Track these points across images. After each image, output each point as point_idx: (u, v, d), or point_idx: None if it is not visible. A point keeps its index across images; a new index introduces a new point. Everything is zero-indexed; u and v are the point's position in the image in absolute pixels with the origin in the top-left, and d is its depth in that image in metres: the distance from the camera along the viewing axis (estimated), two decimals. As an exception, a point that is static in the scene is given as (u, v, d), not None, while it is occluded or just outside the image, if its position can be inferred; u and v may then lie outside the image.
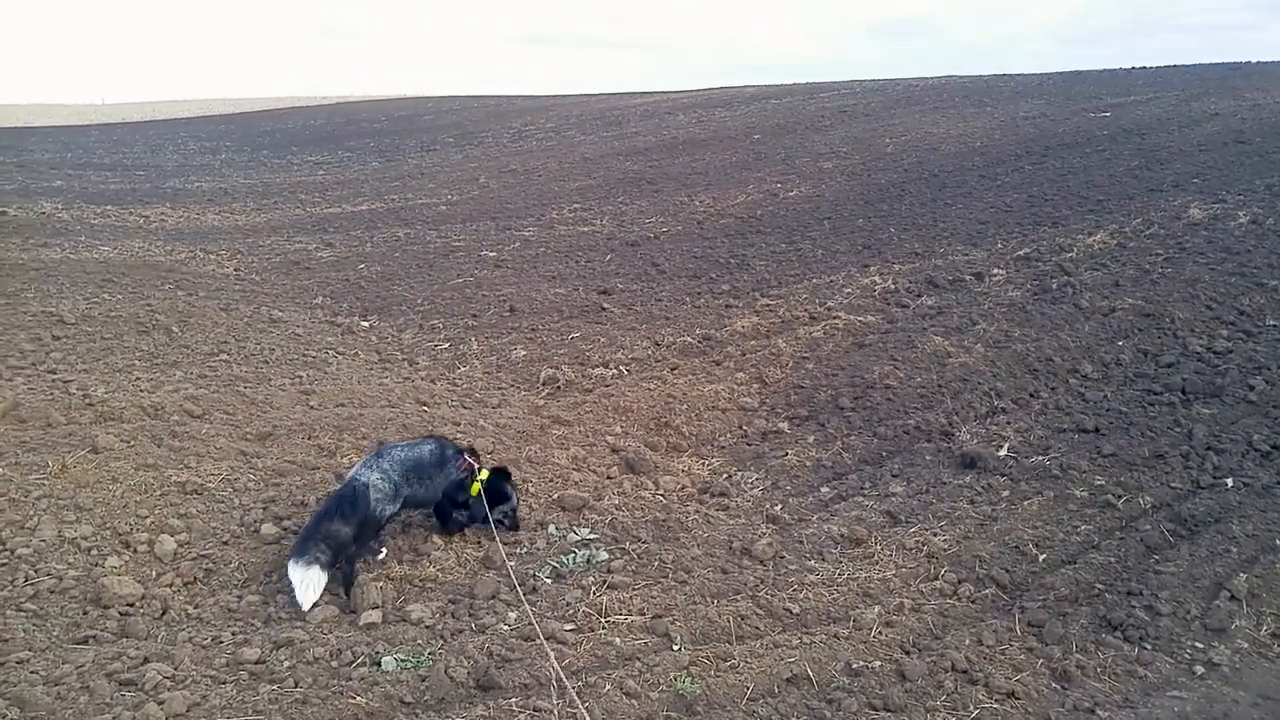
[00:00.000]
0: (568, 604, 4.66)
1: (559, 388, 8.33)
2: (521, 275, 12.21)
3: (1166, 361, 7.09)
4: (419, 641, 4.31)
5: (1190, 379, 6.75)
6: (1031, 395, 7.05)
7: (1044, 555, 5.17)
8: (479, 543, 5.38)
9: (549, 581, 4.95)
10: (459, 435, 6.46)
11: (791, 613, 4.67)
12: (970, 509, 5.75)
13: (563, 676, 3.91)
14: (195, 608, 4.56)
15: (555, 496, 5.93)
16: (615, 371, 8.56)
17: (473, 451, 5.53)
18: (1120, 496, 5.62)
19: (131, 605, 4.47)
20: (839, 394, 7.52)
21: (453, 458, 5.35)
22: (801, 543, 5.51)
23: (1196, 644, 4.43)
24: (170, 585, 4.66)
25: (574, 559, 5.17)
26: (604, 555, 5.22)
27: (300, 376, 8.05)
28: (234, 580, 4.81)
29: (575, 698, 3.79)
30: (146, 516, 5.14)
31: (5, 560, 4.59)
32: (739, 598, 4.78)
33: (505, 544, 5.22)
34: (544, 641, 4.18)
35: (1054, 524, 5.47)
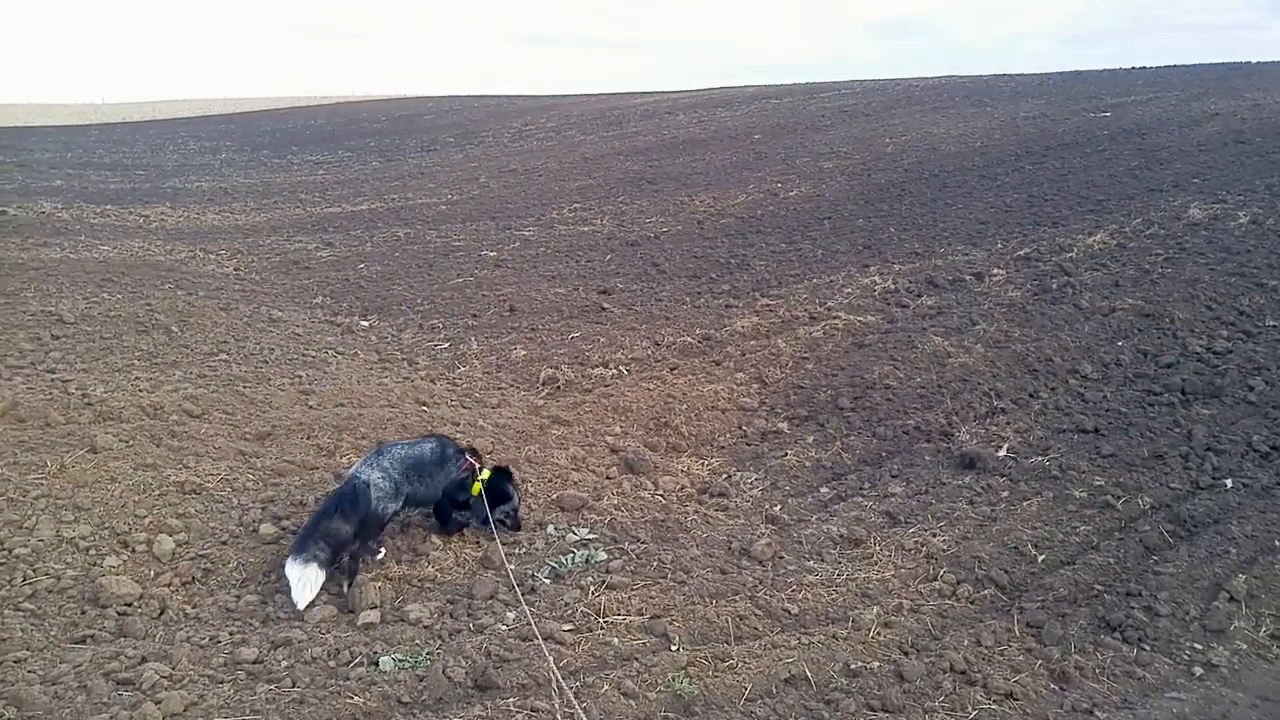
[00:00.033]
0: (566, 604, 4.65)
1: (559, 388, 8.33)
2: (521, 275, 12.20)
3: (1166, 362, 7.08)
4: (417, 641, 4.30)
5: (1190, 379, 6.75)
6: (1031, 395, 7.04)
7: (1043, 556, 5.17)
8: (478, 543, 5.38)
9: (547, 582, 4.94)
10: (458, 435, 6.45)
11: (790, 613, 4.66)
12: (969, 509, 5.75)
13: (559, 677, 3.91)
14: (193, 607, 4.55)
15: (554, 496, 5.93)
16: (615, 371, 8.55)
17: (474, 451, 5.52)
18: (1119, 497, 5.62)
19: (129, 605, 4.47)
20: (839, 394, 7.51)
21: (453, 457, 5.34)
22: (800, 543, 5.51)
23: (1195, 645, 4.42)
24: (168, 585, 4.66)
25: (573, 559, 5.16)
26: (603, 555, 5.22)
27: (300, 376, 8.05)
28: (232, 580, 4.81)
29: (572, 698, 3.78)
30: (145, 516, 5.13)
31: (3, 560, 4.58)
32: (737, 598, 4.77)
33: (504, 544, 5.21)
34: (542, 642, 4.18)
35: (1053, 525, 5.46)
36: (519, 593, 4.69)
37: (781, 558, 5.29)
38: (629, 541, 5.43)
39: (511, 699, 3.86)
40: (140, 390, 7.06)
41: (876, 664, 4.26)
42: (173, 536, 4.99)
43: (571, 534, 5.50)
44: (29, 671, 3.84)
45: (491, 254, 13.43)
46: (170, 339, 8.65)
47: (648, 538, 5.50)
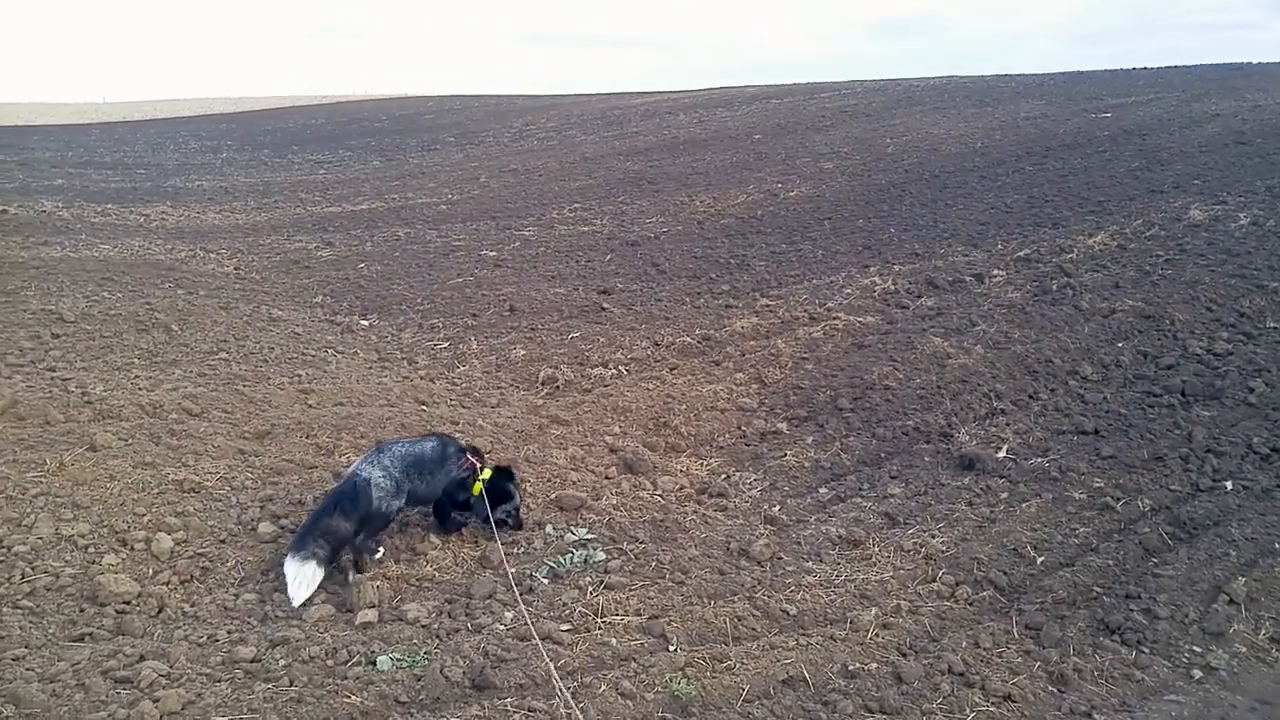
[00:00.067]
0: (564, 604, 4.65)
1: (558, 387, 8.32)
2: (521, 275, 12.20)
3: (1166, 363, 7.08)
4: (415, 641, 4.30)
5: (1190, 381, 6.74)
6: (1031, 397, 7.04)
7: (1042, 558, 5.16)
8: (476, 542, 5.38)
9: (546, 581, 4.94)
10: (458, 434, 6.44)
11: (788, 614, 4.66)
12: (968, 511, 5.74)
13: (557, 677, 3.91)
14: (192, 606, 4.55)
15: (553, 496, 5.92)
16: (614, 371, 8.55)
17: (476, 451, 5.50)
18: (1119, 499, 5.61)
19: (128, 603, 4.46)
20: (838, 395, 7.51)
21: (454, 456, 5.33)
22: (799, 544, 5.50)
23: (1194, 648, 4.42)
24: (167, 583, 4.65)
25: (571, 559, 5.16)
26: (601, 555, 5.21)
27: (299, 375, 8.04)
28: (231, 579, 4.81)
29: (569, 699, 3.78)
30: (144, 515, 5.13)
31: (2, 558, 4.58)
32: (736, 599, 4.77)
33: (502, 544, 5.21)
34: (539, 642, 4.18)
35: (1052, 526, 5.45)
36: (517, 592, 4.69)
37: (780, 558, 5.29)
38: (627, 541, 5.42)
39: (509, 699, 3.86)
40: (140, 389, 7.06)
41: (875, 665, 4.26)
42: (171, 535, 4.99)
43: (570, 534, 5.49)
44: (27, 669, 3.84)
45: (491, 254, 13.42)
46: (170, 338, 8.65)
47: (646, 538, 5.49)
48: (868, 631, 4.51)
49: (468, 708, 3.80)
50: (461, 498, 5.34)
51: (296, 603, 4.57)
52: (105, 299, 9.82)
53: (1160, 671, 4.28)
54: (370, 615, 4.51)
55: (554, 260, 12.83)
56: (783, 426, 7.28)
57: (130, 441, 5.94)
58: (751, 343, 8.90)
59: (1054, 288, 8.81)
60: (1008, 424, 6.69)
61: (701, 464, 6.87)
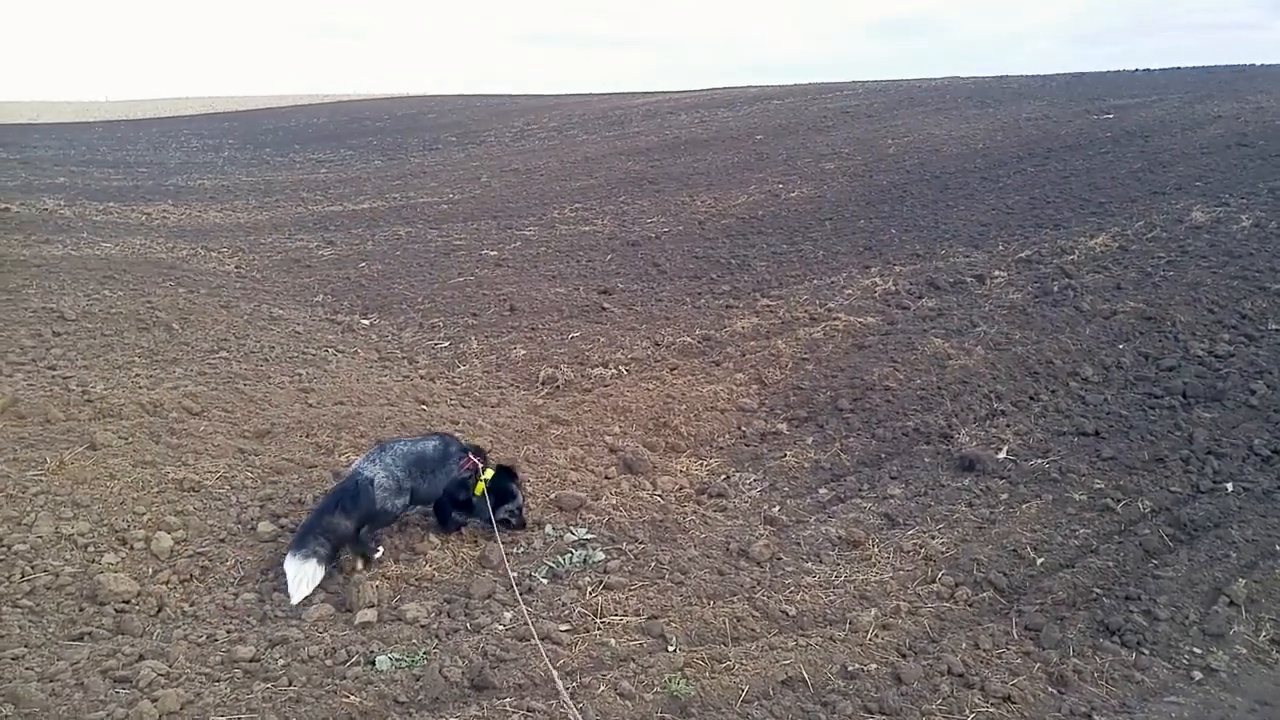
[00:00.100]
0: (563, 604, 4.64)
1: (558, 387, 8.32)
2: (522, 274, 12.20)
3: (1167, 365, 7.07)
4: (414, 641, 4.30)
5: (1191, 383, 6.74)
6: (1031, 398, 7.03)
7: (1042, 559, 5.16)
8: (476, 542, 5.37)
9: (545, 582, 4.94)
10: (457, 434, 6.44)
11: (788, 615, 4.65)
12: (968, 512, 5.74)
13: (558, 677, 3.91)
14: (191, 605, 4.55)
15: (553, 496, 5.92)
16: (614, 371, 8.55)
17: (478, 450, 5.49)
18: (1119, 500, 5.60)
19: (127, 602, 4.46)
20: (838, 395, 7.50)
21: (456, 455, 5.32)
22: (799, 544, 5.50)
23: (1194, 649, 4.41)
24: (166, 583, 4.65)
25: (570, 559, 5.15)
26: (600, 555, 5.21)
27: (300, 374, 8.04)
28: (230, 578, 4.80)
29: (568, 699, 3.78)
30: (144, 513, 5.13)
31: (2, 556, 4.59)
32: (735, 599, 4.76)
33: (501, 544, 5.21)
34: (539, 642, 4.17)
35: (1052, 527, 5.45)
36: (517, 592, 4.69)
37: (779, 559, 5.29)
38: (627, 542, 5.42)
39: (508, 699, 3.86)
40: (140, 387, 7.06)
41: (874, 666, 4.25)
42: (171, 534, 4.99)
43: (569, 534, 5.49)
44: (26, 669, 3.84)
45: (492, 253, 13.43)
46: (171, 336, 8.66)
47: (646, 538, 5.49)
48: (867, 632, 4.50)
49: (466, 708, 3.80)
50: (463, 497, 5.33)
51: (296, 600, 4.57)
52: (106, 297, 9.82)
53: (1160, 673, 4.27)
54: (369, 615, 4.51)
55: (555, 260, 12.83)
56: (783, 427, 7.27)
57: (130, 440, 5.94)
58: (752, 343, 8.90)
59: (1055, 289, 8.80)
60: (1008, 425, 6.69)
61: (701, 464, 6.87)
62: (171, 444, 6.01)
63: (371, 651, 4.15)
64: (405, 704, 3.82)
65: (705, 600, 4.74)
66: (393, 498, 5.02)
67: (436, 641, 4.29)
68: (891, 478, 6.32)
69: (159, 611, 4.46)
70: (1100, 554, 5.15)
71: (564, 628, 4.43)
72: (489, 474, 5.32)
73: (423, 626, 4.44)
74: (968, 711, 3.97)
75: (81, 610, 4.36)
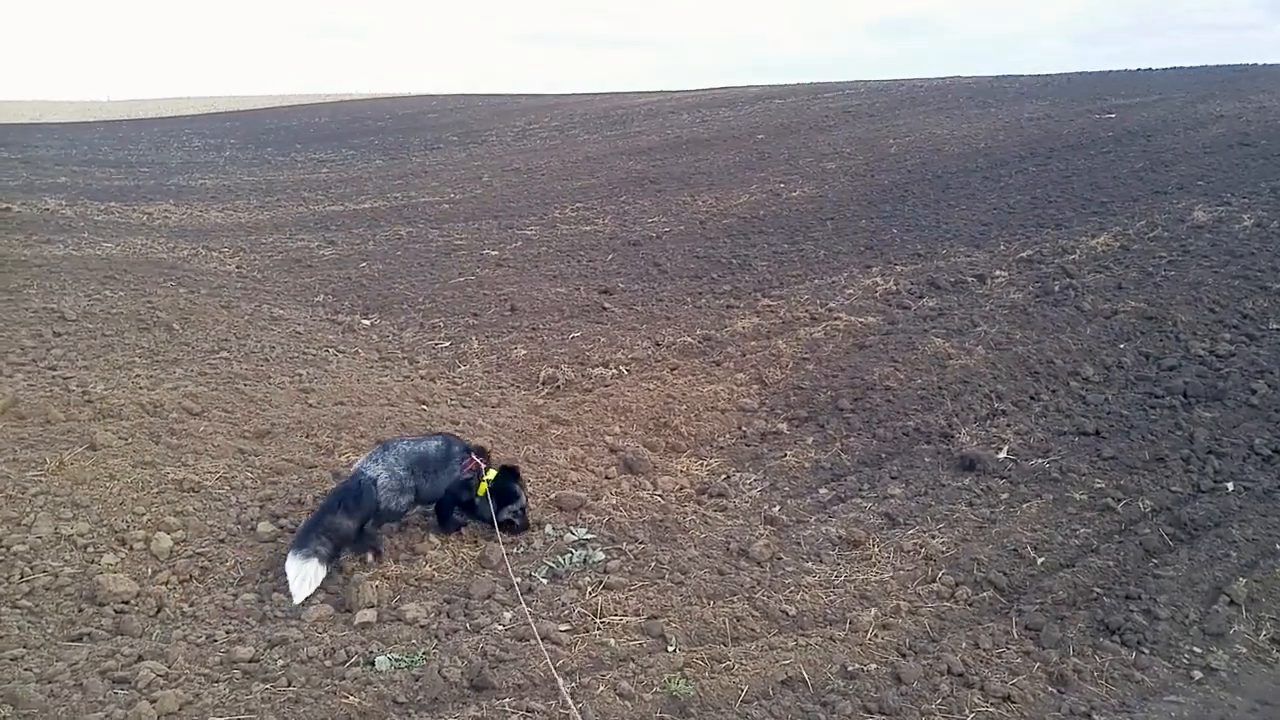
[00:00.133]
0: (563, 604, 4.64)
1: (558, 387, 8.32)
2: (523, 274, 12.20)
3: (1168, 364, 7.06)
4: (413, 641, 4.30)
5: (1192, 382, 6.72)
6: (1032, 397, 7.02)
7: (1042, 558, 5.15)
8: (475, 542, 5.37)
9: (545, 582, 4.93)
10: (458, 434, 6.44)
11: (788, 614, 4.65)
12: (969, 511, 5.73)
13: (558, 677, 3.90)
14: (190, 606, 4.54)
15: (553, 496, 5.91)
16: (615, 371, 8.55)
17: (482, 451, 5.47)
18: (1120, 500, 5.60)
19: (127, 603, 4.46)
20: (839, 395, 7.50)
21: (458, 455, 5.32)
22: (799, 544, 5.50)
23: (1195, 649, 4.41)
24: (166, 583, 4.65)
25: (570, 559, 5.15)
26: (600, 555, 5.20)
27: (300, 374, 8.05)
28: (230, 578, 4.80)
29: (568, 699, 3.77)
30: (143, 514, 5.13)
31: (1, 557, 4.58)
32: (735, 599, 4.76)
33: (501, 544, 5.20)
34: (540, 642, 4.17)
35: (1052, 527, 5.44)
36: (518, 592, 4.69)
37: (780, 559, 5.28)
38: (627, 542, 5.41)
39: (507, 699, 3.85)
40: (140, 388, 7.06)
41: (874, 666, 4.25)
42: (171, 534, 4.99)
43: (569, 534, 5.48)
44: (25, 669, 3.84)
45: (493, 253, 13.43)
46: (171, 336, 8.66)
47: (646, 538, 5.48)
48: (867, 632, 4.50)
49: (466, 708, 3.80)
50: (465, 498, 5.32)
51: (298, 600, 4.57)
52: (107, 297, 9.83)
53: (1160, 672, 4.26)
54: (369, 615, 4.51)
55: (556, 260, 12.83)
56: (783, 427, 7.27)
57: (130, 440, 5.94)
58: (752, 343, 8.89)
59: (1056, 288, 8.79)
60: (1008, 425, 6.68)
61: (701, 464, 6.86)
62: (171, 444, 6.01)
63: (371, 652, 4.15)
64: (404, 704, 3.82)
65: (705, 600, 4.73)
66: (396, 497, 5.03)
67: (436, 642, 4.29)
68: (892, 477, 6.32)
69: (158, 612, 4.46)
70: (1100, 553, 5.14)
71: (563, 628, 4.43)
72: (491, 474, 5.31)
73: (422, 627, 4.44)
74: (967, 711, 3.97)
75: (80, 611, 4.36)
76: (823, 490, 6.31)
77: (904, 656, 4.34)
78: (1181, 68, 28.03)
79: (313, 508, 5.29)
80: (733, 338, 9.07)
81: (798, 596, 4.82)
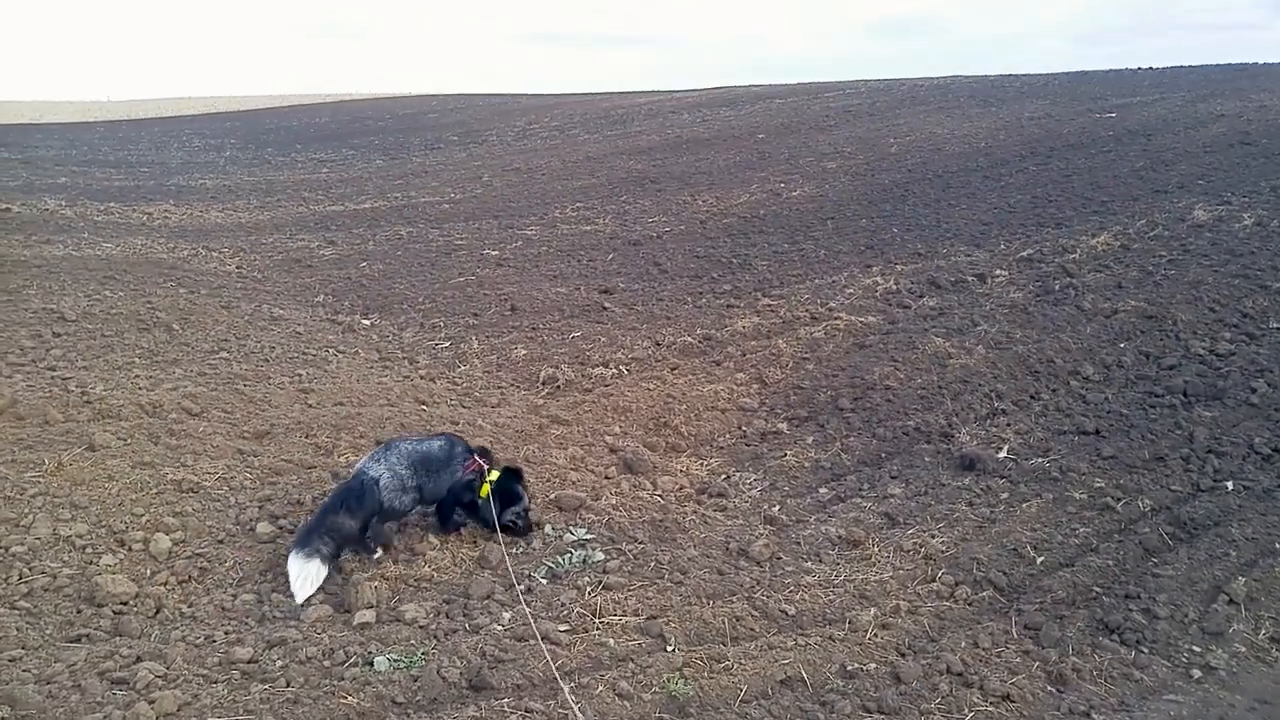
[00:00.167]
0: (562, 604, 4.64)
1: (558, 387, 8.32)
2: (523, 274, 12.20)
3: (1168, 364, 7.05)
4: (412, 641, 4.29)
5: (1192, 381, 6.72)
6: (1032, 397, 7.02)
7: (1042, 558, 5.14)
8: (475, 542, 5.36)
9: (544, 582, 4.93)
10: (459, 434, 6.44)
11: (787, 614, 4.64)
12: (969, 511, 5.73)
13: (558, 677, 3.90)
14: (189, 606, 4.54)
15: (552, 496, 5.91)
16: (615, 371, 8.54)
17: (485, 452, 5.47)
18: (1119, 499, 5.59)
19: (125, 604, 4.46)
20: (839, 395, 7.49)
21: (461, 456, 5.31)
22: (799, 544, 5.49)
23: (1194, 648, 4.40)
24: (165, 584, 4.65)
25: (570, 559, 5.15)
26: (600, 555, 5.20)
27: (300, 375, 8.04)
28: (229, 579, 4.80)
29: (569, 698, 3.77)
30: (142, 515, 5.13)
31: (0, 558, 4.59)
32: (734, 599, 4.75)
33: (501, 544, 5.20)
34: (540, 642, 4.17)
35: (1052, 526, 5.44)
36: (519, 592, 4.68)
37: (779, 558, 5.28)
38: (626, 542, 5.41)
39: (506, 699, 3.85)
40: (140, 388, 7.06)
41: (873, 665, 4.25)
42: (169, 535, 4.99)
43: (569, 534, 5.48)
44: (24, 670, 3.84)
45: (494, 253, 13.43)
46: (171, 337, 8.66)
47: (645, 538, 5.48)
48: (866, 632, 4.50)
49: (464, 708, 3.79)
50: (468, 499, 5.31)
51: (300, 599, 4.57)
52: (107, 298, 9.83)
53: (1159, 671, 4.26)
54: (368, 616, 4.51)
55: (556, 259, 12.83)
56: (783, 426, 7.26)
57: (129, 441, 5.94)
58: (753, 342, 8.89)
59: (1056, 288, 8.79)
60: (1008, 424, 6.67)
61: (701, 464, 6.86)
62: (170, 445, 6.01)
63: (370, 652, 4.15)
64: (403, 705, 3.82)
65: (704, 600, 4.73)
66: (399, 495, 5.03)
67: (435, 642, 4.29)
68: (892, 477, 6.31)
69: (157, 613, 4.46)
70: (1100, 553, 5.14)
71: (563, 628, 4.42)
72: (494, 476, 5.30)
73: (421, 627, 4.44)
74: (966, 710, 3.96)
75: (79, 612, 4.36)
76: (822, 490, 6.31)
77: (903, 656, 4.34)
78: (1182, 67, 28.03)
79: (312, 508, 5.30)
80: (733, 337, 9.07)
81: (797, 596, 4.81)
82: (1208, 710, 3.95)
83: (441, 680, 3.92)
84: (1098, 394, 6.86)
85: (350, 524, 4.81)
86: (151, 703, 3.63)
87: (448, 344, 9.68)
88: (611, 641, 4.32)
